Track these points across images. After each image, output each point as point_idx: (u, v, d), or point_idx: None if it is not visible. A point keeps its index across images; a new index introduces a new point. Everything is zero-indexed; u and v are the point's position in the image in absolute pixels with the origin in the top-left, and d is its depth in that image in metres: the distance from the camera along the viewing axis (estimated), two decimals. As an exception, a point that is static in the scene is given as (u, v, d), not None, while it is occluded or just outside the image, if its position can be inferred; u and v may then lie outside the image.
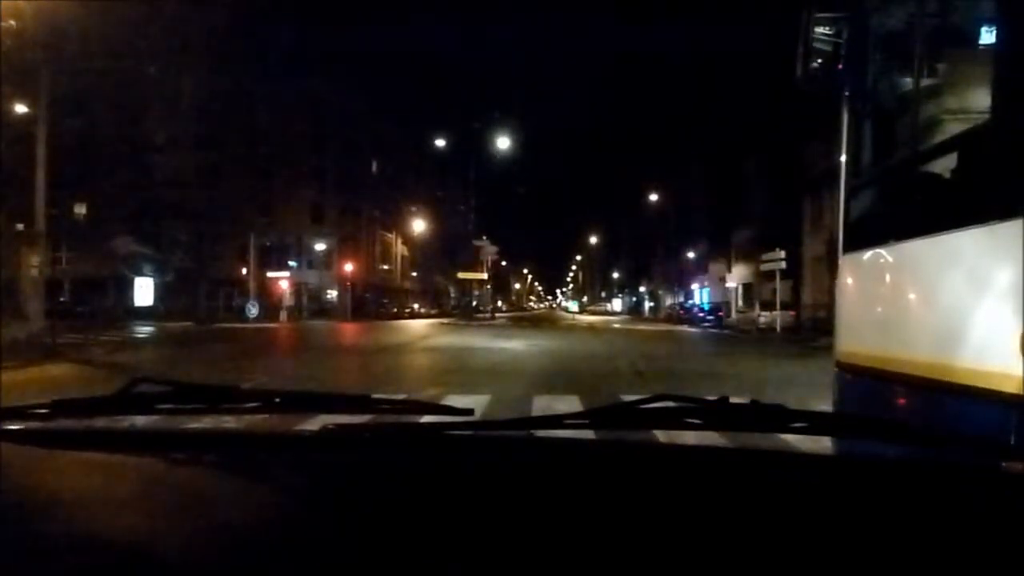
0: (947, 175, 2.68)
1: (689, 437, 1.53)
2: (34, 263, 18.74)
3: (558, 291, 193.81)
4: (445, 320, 52.97)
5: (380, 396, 1.62)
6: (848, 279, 3.55)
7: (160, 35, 33.80)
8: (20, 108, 23.68)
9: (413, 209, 70.64)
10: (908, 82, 3.13)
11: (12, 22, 16.03)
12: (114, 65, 32.83)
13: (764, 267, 34.42)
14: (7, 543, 0.91)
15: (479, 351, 19.72)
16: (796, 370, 14.74)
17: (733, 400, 1.41)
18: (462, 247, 68.66)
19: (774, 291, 33.61)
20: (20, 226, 21.51)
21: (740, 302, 46.87)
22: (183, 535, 0.95)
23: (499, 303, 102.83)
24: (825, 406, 3.74)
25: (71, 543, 0.92)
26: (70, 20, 19.04)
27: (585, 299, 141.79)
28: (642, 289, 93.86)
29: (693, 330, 40.79)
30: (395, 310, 64.68)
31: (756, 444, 1.38)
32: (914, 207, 2.95)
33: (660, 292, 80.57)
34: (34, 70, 19.20)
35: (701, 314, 49.34)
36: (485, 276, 60.23)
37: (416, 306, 73.15)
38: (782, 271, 32.83)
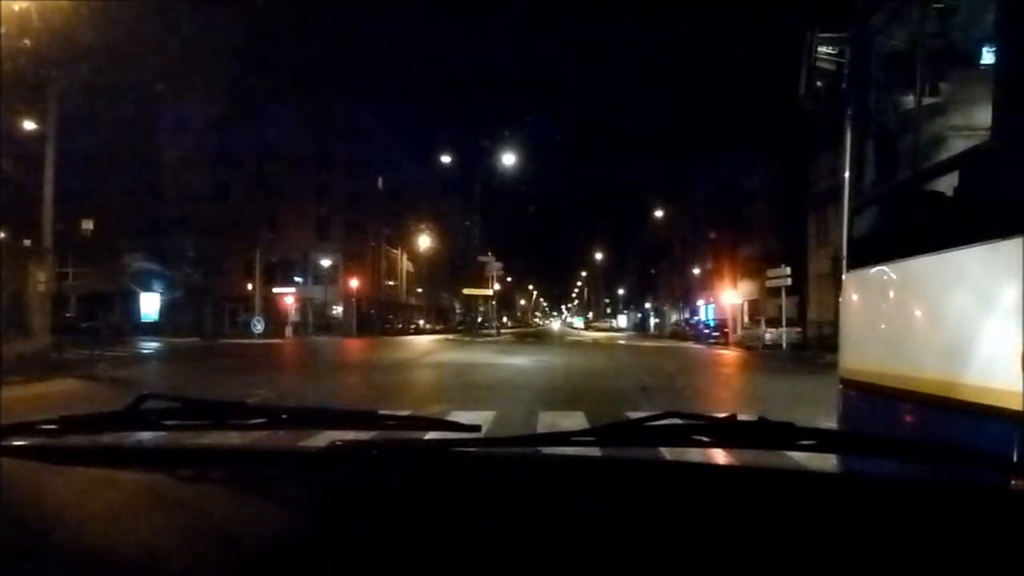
0: (949, 193, 2.69)
1: (695, 455, 1.53)
2: (40, 279, 18.79)
3: (563, 307, 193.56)
4: (450, 336, 52.95)
5: (386, 412, 1.62)
6: (852, 296, 3.55)
7: (169, 51, 34.05)
8: (28, 124, 23.81)
9: (419, 225, 70.75)
10: (910, 101, 3.15)
11: (27, 42, 16.14)
12: (123, 81, 33.04)
13: (770, 283, 34.33)
14: (13, 558, 0.92)
15: (484, 367, 19.69)
16: (802, 387, 14.69)
17: (741, 418, 1.41)
18: (467, 263, 68.73)
19: (780, 308, 33.51)
20: (27, 242, 21.61)
21: (746, 319, 46.72)
22: (189, 551, 0.96)
23: (504, 319, 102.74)
24: (831, 424, 3.74)
25: (77, 559, 0.92)
26: (79, 36, 19.17)
27: (590, 315, 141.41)
28: (647, 305, 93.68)
29: (698, 347, 40.66)
30: (400, 326, 64.61)
31: (763, 462, 1.38)
32: (917, 225, 2.96)
33: (665, 308, 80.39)
34: (43, 86, 19.35)
35: (706, 330, 49.21)
36: (490, 292, 60.19)
37: (421, 322, 73.06)
38: (788, 288, 32.76)
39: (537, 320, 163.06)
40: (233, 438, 1.96)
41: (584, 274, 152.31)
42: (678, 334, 57.73)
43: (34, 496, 1.19)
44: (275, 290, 52.45)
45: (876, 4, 3.45)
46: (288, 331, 46.30)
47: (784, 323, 33.15)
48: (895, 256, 2.96)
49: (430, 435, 1.57)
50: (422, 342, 41.39)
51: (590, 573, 0.89)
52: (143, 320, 53.06)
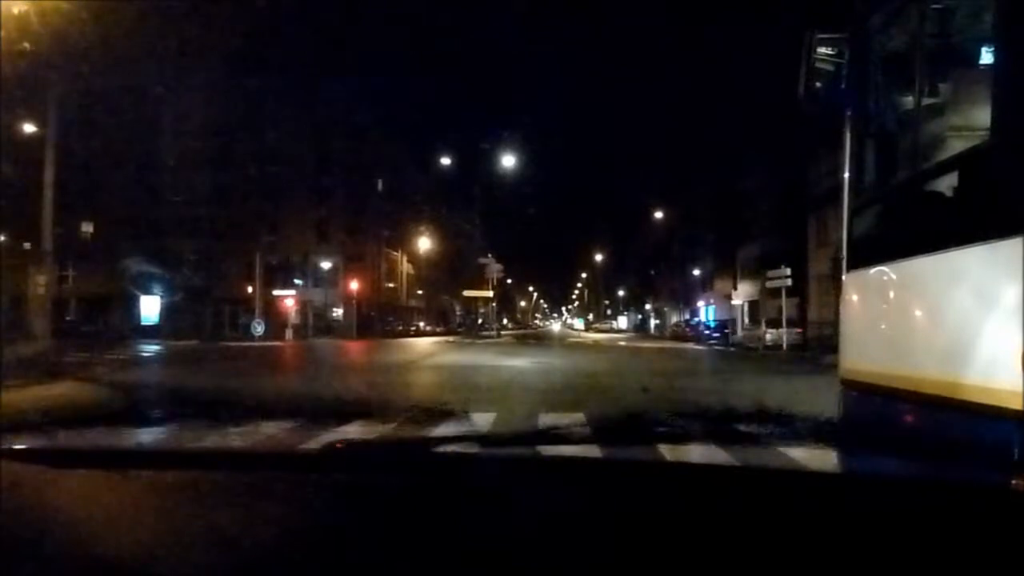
0: (949, 193, 2.69)
1: (695, 455, 1.53)
2: (40, 282, 18.78)
3: (563, 309, 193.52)
4: (451, 338, 52.95)
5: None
6: (852, 296, 3.55)
7: (169, 53, 34.07)
8: (29, 127, 23.84)
9: (419, 227, 70.76)
10: (909, 101, 3.16)
11: (27, 45, 16.17)
12: (123, 84, 33.07)
13: (770, 284, 34.34)
14: (14, 559, 0.92)
15: (485, 369, 19.64)
16: (802, 388, 14.66)
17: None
18: (467, 265, 68.74)
19: (780, 308, 33.52)
20: (27, 245, 21.64)
21: (746, 319, 46.73)
22: (189, 552, 0.95)
23: (504, 321, 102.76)
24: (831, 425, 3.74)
25: (78, 559, 0.92)
26: (80, 39, 19.20)
27: (591, 316, 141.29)
28: (648, 306, 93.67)
29: (699, 348, 40.66)
30: (400, 328, 64.61)
31: (763, 462, 1.38)
32: (916, 225, 2.96)
33: (666, 309, 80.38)
34: (44, 90, 19.38)
35: (707, 331, 49.26)
36: (491, 294, 60.19)
37: (421, 324, 73.08)
38: (788, 288, 32.77)
39: (537, 321, 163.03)
40: (233, 439, 1.95)
41: (584, 275, 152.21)
42: (678, 335, 57.74)
43: (34, 497, 1.19)
44: (275, 292, 52.47)
45: (876, 4, 3.45)
46: (288, 333, 46.30)
47: (784, 324, 33.16)
48: (895, 256, 2.96)
49: (433, 433, 1.57)
50: (422, 344, 41.37)
51: (590, 572, 0.89)
52: (143, 323, 53.08)
